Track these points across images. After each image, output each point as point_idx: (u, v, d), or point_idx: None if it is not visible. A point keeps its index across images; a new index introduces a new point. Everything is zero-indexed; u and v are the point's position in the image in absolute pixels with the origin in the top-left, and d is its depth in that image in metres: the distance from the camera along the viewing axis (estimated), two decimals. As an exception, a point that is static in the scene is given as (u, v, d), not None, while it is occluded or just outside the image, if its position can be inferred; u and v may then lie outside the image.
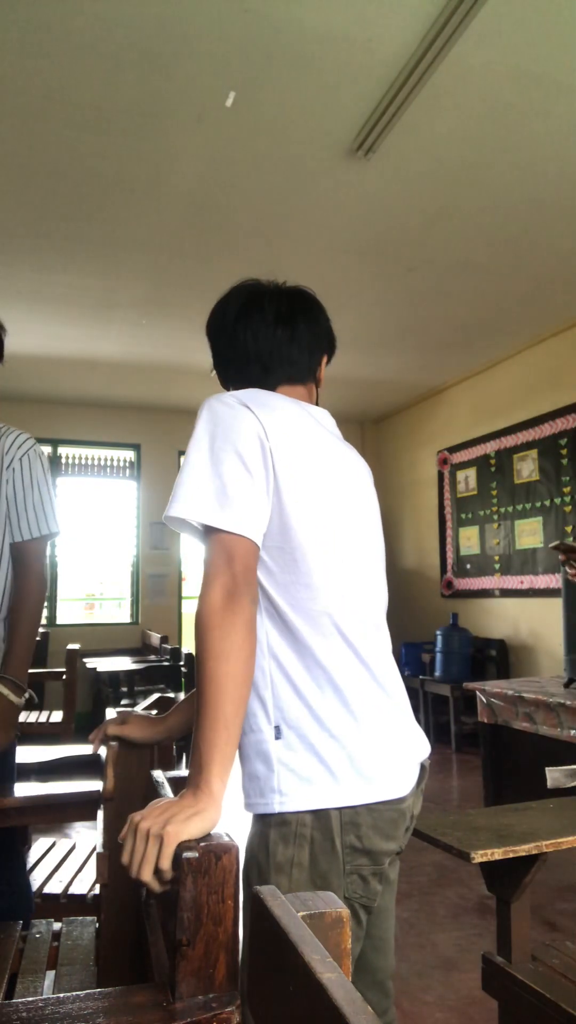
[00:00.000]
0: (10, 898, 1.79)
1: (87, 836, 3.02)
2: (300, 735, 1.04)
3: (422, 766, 1.15)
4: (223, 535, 1.00)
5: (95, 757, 2.06)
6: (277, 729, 1.04)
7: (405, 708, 1.16)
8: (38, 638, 1.95)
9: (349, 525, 1.14)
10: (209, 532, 1.01)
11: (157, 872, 0.82)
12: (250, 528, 1.01)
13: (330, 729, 1.04)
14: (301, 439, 1.11)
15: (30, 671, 1.97)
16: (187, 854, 0.75)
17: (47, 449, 6.64)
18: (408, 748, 1.12)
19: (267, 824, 1.04)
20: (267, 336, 1.21)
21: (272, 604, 1.07)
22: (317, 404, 1.30)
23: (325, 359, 1.32)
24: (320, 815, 1.02)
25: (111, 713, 1.52)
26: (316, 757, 1.03)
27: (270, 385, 1.22)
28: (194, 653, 0.97)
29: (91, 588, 8.11)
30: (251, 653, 0.97)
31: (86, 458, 6.96)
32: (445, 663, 5.60)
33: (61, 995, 0.74)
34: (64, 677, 4.06)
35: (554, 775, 1.94)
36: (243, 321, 1.22)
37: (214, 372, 1.32)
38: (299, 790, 1.02)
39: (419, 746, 1.15)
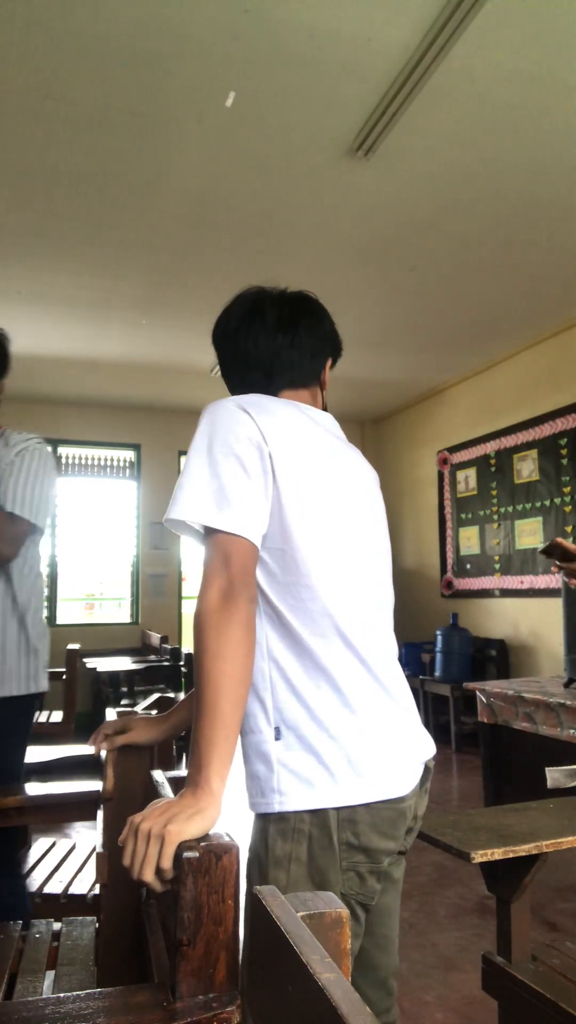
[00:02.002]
0: (8, 899, 1.79)
1: (87, 836, 3.02)
2: (299, 736, 1.04)
3: (426, 766, 1.16)
4: (221, 536, 1.01)
5: (95, 757, 2.06)
6: (277, 730, 1.05)
7: (408, 708, 1.17)
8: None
9: (351, 527, 1.14)
10: (208, 533, 1.03)
11: (158, 872, 0.83)
12: (248, 529, 1.02)
13: (328, 729, 1.04)
14: (300, 442, 1.12)
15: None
16: (187, 854, 0.75)
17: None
18: (410, 748, 1.12)
19: (267, 821, 1.05)
20: (268, 342, 1.22)
21: (271, 606, 1.08)
22: (325, 407, 1.31)
23: (329, 363, 1.33)
24: (318, 812, 1.03)
25: (111, 713, 1.52)
26: (315, 757, 1.04)
27: (273, 391, 1.23)
28: (192, 654, 0.98)
29: (91, 588, 8.11)
30: (249, 652, 0.97)
31: (86, 458, 6.96)
32: (445, 663, 5.60)
33: (61, 995, 0.74)
34: (64, 677, 4.06)
35: (554, 775, 1.94)
36: (244, 329, 1.23)
37: (215, 372, 1.32)
38: (298, 790, 1.03)
39: (423, 746, 1.16)
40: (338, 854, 1.03)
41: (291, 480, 1.08)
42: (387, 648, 1.16)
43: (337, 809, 1.03)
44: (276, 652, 1.07)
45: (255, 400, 1.13)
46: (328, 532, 1.10)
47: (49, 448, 1.99)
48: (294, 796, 1.03)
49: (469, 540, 6.06)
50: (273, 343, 1.22)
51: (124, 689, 5.50)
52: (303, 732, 1.04)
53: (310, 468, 1.11)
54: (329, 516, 1.11)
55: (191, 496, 1.03)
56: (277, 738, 1.05)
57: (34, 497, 1.87)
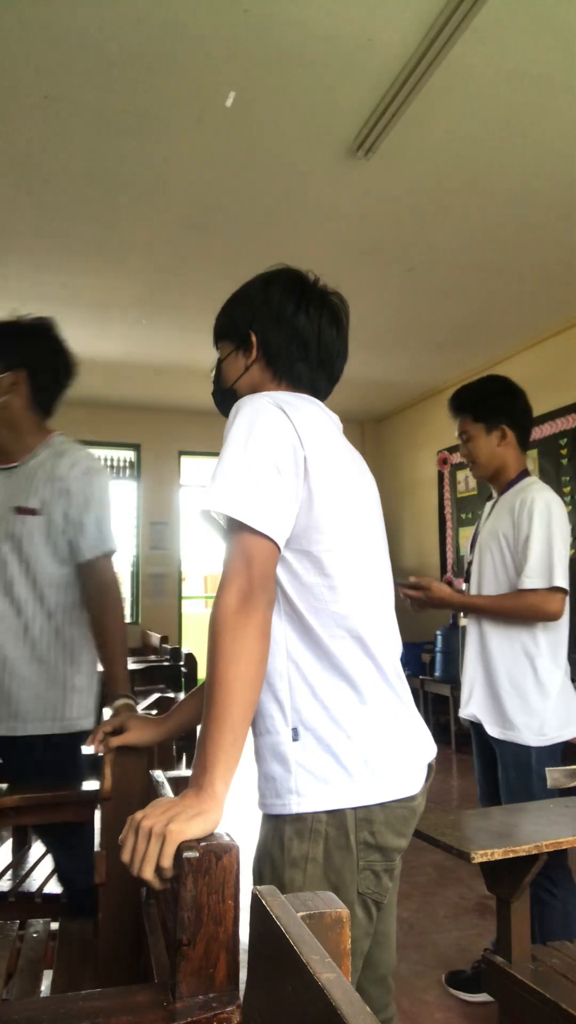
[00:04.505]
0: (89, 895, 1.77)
1: (87, 836, 3.01)
2: (317, 737, 1.04)
3: (429, 766, 1.16)
4: (246, 535, 0.99)
5: (94, 757, 2.06)
6: (295, 731, 1.05)
7: (413, 708, 1.18)
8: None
9: (366, 528, 1.15)
10: (232, 530, 1.01)
11: (158, 870, 0.82)
12: (275, 529, 1.00)
13: (347, 730, 1.05)
14: (328, 444, 1.12)
15: None
16: (188, 854, 0.75)
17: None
18: (418, 748, 1.13)
19: (282, 821, 1.04)
20: (329, 337, 1.23)
21: (291, 606, 1.07)
22: None
23: None
24: (335, 812, 1.03)
25: (108, 712, 1.52)
26: (333, 758, 1.04)
27: (313, 384, 1.24)
28: (206, 653, 0.97)
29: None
30: (263, 657, 0.97)
31: (86, 458, 6.95)
32: (445, 663, 5.59)
33: (61, 995, 0.74)
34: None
35: (554, 775, 1.94)
36: (307, 314, 1.21)
37: (213, 373, 1.31)
38: (316, 790, 1.03)
39: (427, 746, 1.16)
40: (355, 854, 1.03)
41: (322, 482, 1.07)
42: (396, 650, 1.17)
43: (354, 809, 1.03)
44: (295, 653, 1.06)
45: (288, 398, 1.11)
46: (351, 534, 1.10)
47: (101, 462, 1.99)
48: (312, 797, 1.03)
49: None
50: (333, 339, 1.23)
51: (124, 689, 5.48)
52: (321, 733, 1.04)
53: (337, 471, 1.11)
54: (351, 518, 1.11)
55: (223, 489, 1.00)
56: (295, 739, 1.04)
57: (104, 523, 1.91)
